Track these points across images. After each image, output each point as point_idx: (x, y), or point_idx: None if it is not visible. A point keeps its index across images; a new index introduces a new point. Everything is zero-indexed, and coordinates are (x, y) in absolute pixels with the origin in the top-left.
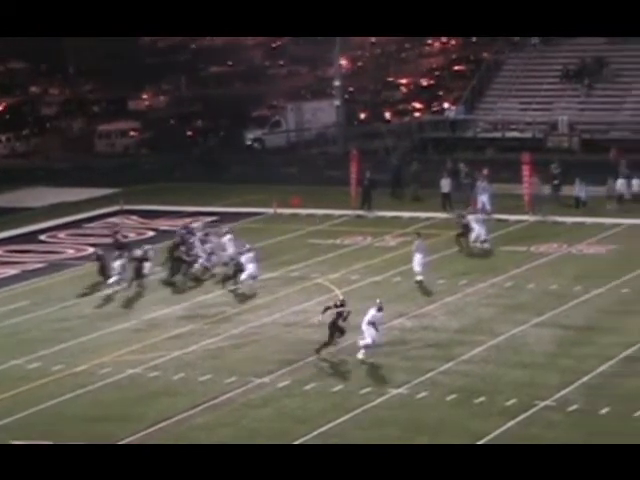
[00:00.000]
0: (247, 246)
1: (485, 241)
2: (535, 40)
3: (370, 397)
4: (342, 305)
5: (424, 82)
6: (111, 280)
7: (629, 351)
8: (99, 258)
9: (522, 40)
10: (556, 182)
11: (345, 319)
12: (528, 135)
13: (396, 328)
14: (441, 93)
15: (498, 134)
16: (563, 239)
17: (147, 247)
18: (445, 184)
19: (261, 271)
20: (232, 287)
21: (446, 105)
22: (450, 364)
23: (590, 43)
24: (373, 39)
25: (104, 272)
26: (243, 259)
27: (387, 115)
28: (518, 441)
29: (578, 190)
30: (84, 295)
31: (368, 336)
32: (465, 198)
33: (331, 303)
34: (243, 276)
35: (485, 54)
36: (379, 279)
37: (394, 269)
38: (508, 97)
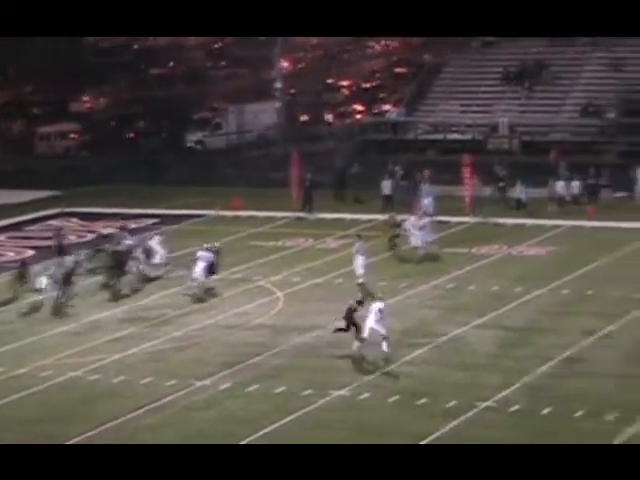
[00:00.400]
0: (205, 246)
1: (418, 248)
2: (476, 43)
3: (312, 399)
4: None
5: (366, 84)
6: (38, 285)
7: (569, 352)
8: (23, 264)
9: (462, 42)
10: (502, 184)
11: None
12: (469, 137)
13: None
14: (382, 95)
15: (439, 136)
16: (504, 241)
17: (81, 253)
18: (386, 186)
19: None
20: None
21: (387, 107)
22: (392, 366)
23: (530, 46)
24: (314, 40)
25: (23, 279)
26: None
27: (328, 117)
28: (460, 441)
29: (519, 192)
30: (24, 298)
31: (383, 329)
32: (404, 200)
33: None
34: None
35: (426, 56)
36: (321, 281)
37: (336, 271)
38: (449, 99)
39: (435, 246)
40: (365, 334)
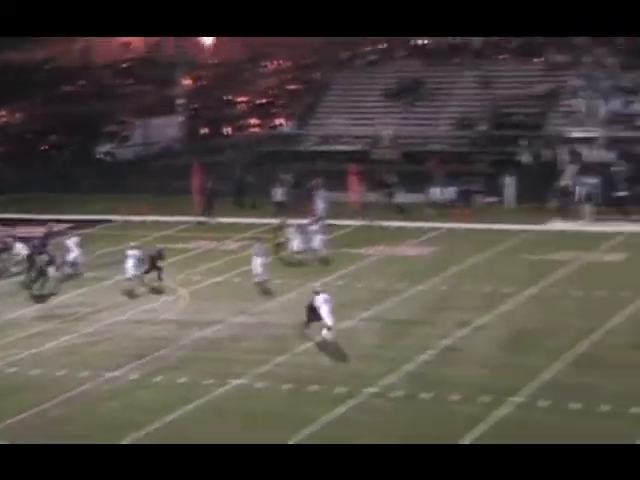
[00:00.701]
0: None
1: (300, 252)
2: (360, 62)
3: (212, 388)
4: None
5: (260, 100)
6: None
7: (446, 342)
8: None
9: (348, 62)
10: (390, 190)
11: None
12: (355, 148)
13: (237, 324)
14: (276, 110)
15: (328, 147)
16: (388, 241)
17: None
18: (277, 193)
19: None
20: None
21: (280, 121)
22: (286, 356)
23: (408, 65)
24: (215, 60)
25: None
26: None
27: (227, 130)
28: (347, 426)
29: (402, 197)
30: None
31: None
32: (296, 206)
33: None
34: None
35: (315, 75)
36: (221, 279)
37: (234, 270)
38: (336, 114)
39: (324, 249)
40: (330, 322)
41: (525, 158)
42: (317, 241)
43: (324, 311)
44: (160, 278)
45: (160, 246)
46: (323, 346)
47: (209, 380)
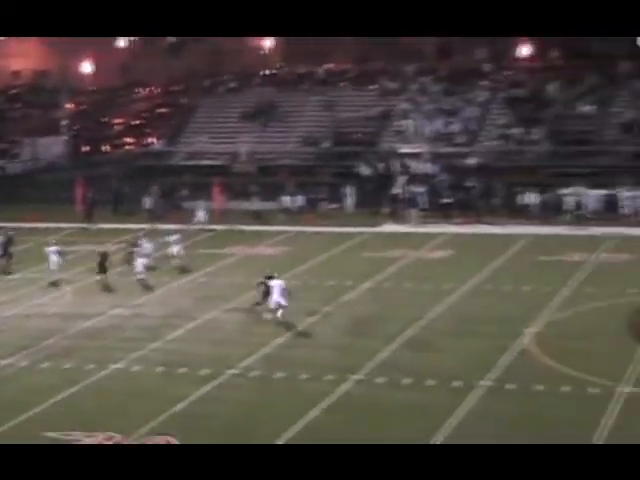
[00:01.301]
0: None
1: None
2: (222, 88)
3: (95, 372)
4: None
5: (135, 121)
6: None
7: (298, 328)
8: None
9: (210, 88)
10: (253, 198)
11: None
12: (217, 163)
13: (115, 316)
14: (148, 130)
15: (194, 162)
16: (246, 243)
17: None
18: (147, 202)
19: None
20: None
21: (152, 140)
22: (158, 343)
23: (262, 91)
24: (94, 87)
25: None
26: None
27: (106, 148)
28: (212, 402)
29: (257, 205)
30: None
31: (275, 302)
32: (163, 213)
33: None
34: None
35: (182, 100)
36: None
37: (113, 269)
38: (201, 133)
39: (178, 258)
40: (272, 305)
41: (363, 170)
42: (176, 248)
43: (276, 293)
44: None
45: (11, 232)
46: (190, 334)
47: (91, 365)
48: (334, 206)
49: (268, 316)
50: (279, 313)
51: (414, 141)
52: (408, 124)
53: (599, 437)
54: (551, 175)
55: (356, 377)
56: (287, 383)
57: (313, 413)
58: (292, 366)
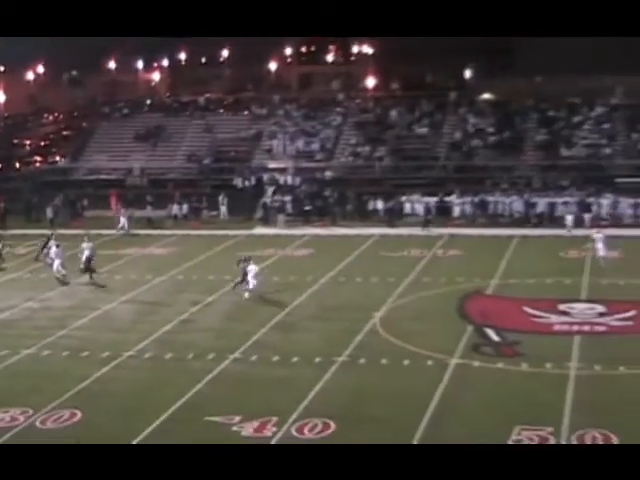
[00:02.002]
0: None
1: (60, 272)
2: (118, 114)
3: (8, 356)
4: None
5: (43, 142)
6: None
7: (183, 316)
8: None
9: (108, 114)
10: (150, 207)
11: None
12: (114, 177)
13: (26, 309)
14: (54, 150)
15: (94, 177)
16: (140, 245)
17: None
18: (49, 211)
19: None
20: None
21: (58, 158)
22: (65, 331)
23: (152, 115)
24: (6, 114)
25: None
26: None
27: (17, 165)
28: (111, 380)
29: (148, 212)
30: None
31: (252, 284)
32: (64, 221)
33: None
34: None
35: (83, 124)
36: (14, 276)
37: (25, 269)
38: (100, 152)
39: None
40: (250, 285)
41: (238, 183)
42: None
43: (250, 276)
44: None
45: None
46: (93, 323)
47: (5, 351)
48: (214, 213)
49: (246, 295)
50: (246, 295)
51: (280, 158)
52: (275, 144)
53: (436, 401)
54: (394, 185)
55: (234, 356)
56: (176, 362)
57: (198, 387)
58: (180, 348)
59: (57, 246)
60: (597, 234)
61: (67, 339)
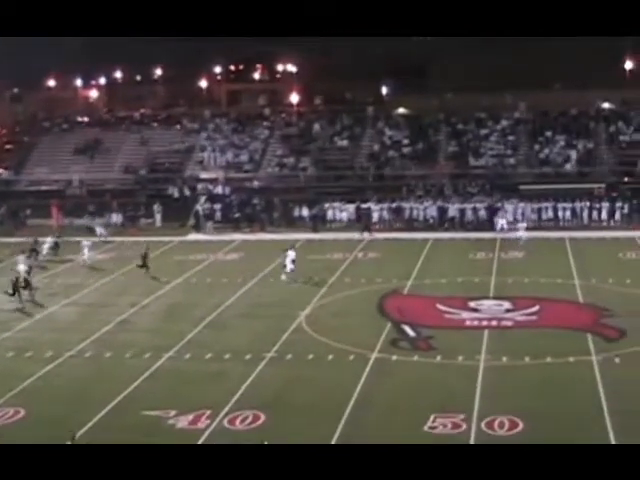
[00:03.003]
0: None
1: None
2: (57, 129)
3: None
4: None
5: None
6: None
7: (121, 317)
8: None
9: (48, 129)
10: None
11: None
12: (55, 188)
13: None
14: None
15: (35, 188)
16: (79, 251)
17: None
18: None
19: None
20: None
21: (1, 170)
22: (9, 333)
23: (90, 130)
24: None
25: None
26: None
27: None
28: (54, 377)
29: (87, 221)
30: None
31: (289, 268)
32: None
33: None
34: None
35: (25, 138)
36: None
37: None
38: (41, 164)
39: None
40: (288, 269)
41: (172, 192)
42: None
43: (288, 260)
44: None
45: None
46: (36, 325)
47: None
48: (149, 221)
49: (283, 277)
50: (283, 275)
51: (211, 169)
52: (206, 155)
53: (358, 392)
54: (317, 193)
55: (169, 354)
56: (115, 361)
57: (136, 383)
58: (118, 347)
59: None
60: (521, 223)
61: (11, 341)
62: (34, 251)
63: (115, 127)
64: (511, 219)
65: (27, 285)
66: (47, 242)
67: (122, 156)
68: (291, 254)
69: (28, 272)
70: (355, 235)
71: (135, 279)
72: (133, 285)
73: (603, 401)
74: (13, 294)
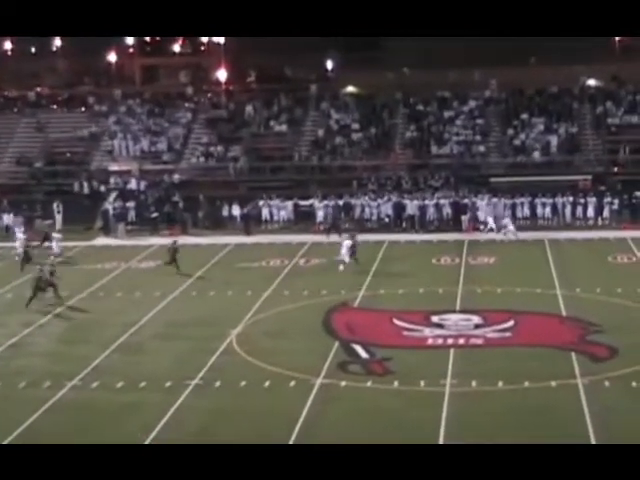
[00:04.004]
0: None
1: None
2: None
3: None
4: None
5: None
6: None
7: (13, 340)
8: None
9: None
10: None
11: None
12: None
13: None
14: None
15: None
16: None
17: None
18: None
19: None
20: None
21: None
22: None
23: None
24: None
25: None
26: None
27: None
28: None
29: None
30: None
31: (345, 256)
32: None
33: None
34: None
35: None
36: None
37: None
38: None
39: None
40: (345, 259)
41: (76, 188)
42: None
43: (343, 250)
44: None
45: None
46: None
47: None
48: (48, 222)
49: (341, 267)
50: (340, 267)
51: (123, 160)
52: (117, 144)
53: (300, 425)
54: (250, 189)
55: (72, 383)
56: (6, 391)
57: (33, 418)
58: (10, 375)
59: None
60: (507, 218)
61: None
62: None
63: (5, 109)
64: (482, 218)
65: None
66: None
67: (14, 145)
68: (346, 243)
69: None
70: (294, 238)
71: (29, 294)
72: (25, 301)
73: (591, 433)
74: None
